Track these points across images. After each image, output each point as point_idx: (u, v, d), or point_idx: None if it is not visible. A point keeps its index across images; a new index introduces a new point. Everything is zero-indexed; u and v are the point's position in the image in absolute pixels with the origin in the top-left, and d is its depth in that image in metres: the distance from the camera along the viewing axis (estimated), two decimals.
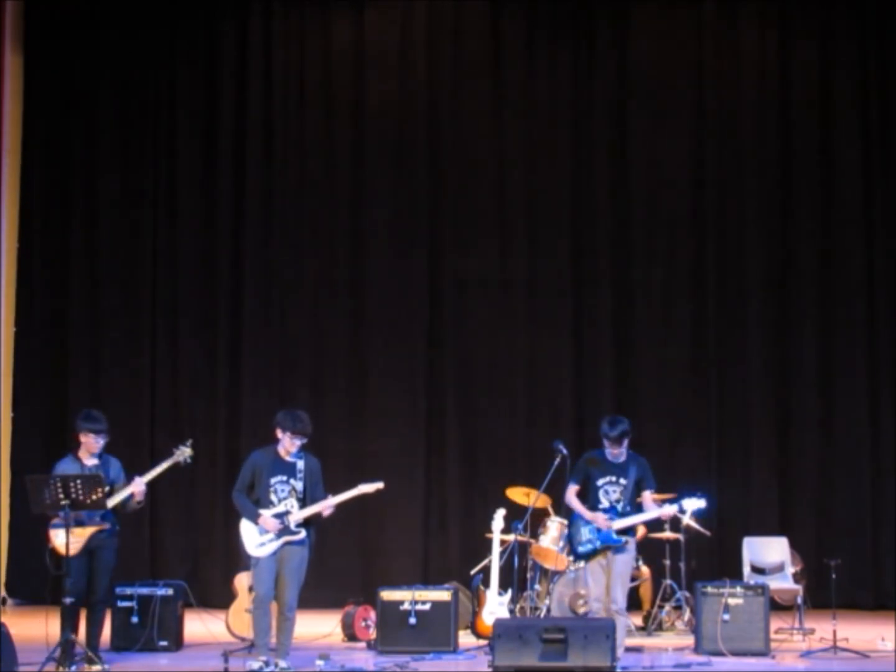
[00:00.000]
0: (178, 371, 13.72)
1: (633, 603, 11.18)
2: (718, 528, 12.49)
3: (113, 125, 13.94)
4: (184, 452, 9.48)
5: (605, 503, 9.32)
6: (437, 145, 13.79)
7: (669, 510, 9.62)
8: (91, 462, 9.24)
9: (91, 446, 9.24)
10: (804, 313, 13.44)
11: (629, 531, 9.37)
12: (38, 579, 10.46)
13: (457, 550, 13.13)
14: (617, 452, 9.32)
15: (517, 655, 8.61)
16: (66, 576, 8.91)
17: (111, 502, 9.10)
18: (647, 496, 9.45)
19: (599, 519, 9.26)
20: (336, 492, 9.18)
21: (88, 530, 8.99)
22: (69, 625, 8.99)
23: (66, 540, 8.83)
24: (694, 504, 9.51)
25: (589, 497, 9.38)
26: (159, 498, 13.45)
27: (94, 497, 8.83)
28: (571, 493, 9.44)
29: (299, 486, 9.07)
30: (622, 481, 9.33)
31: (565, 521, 10.36)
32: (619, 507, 9.30)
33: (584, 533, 9.31)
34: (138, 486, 9.21)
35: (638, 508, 9.43)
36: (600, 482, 9.34)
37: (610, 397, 13.27)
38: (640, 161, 13.65)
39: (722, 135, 13.62)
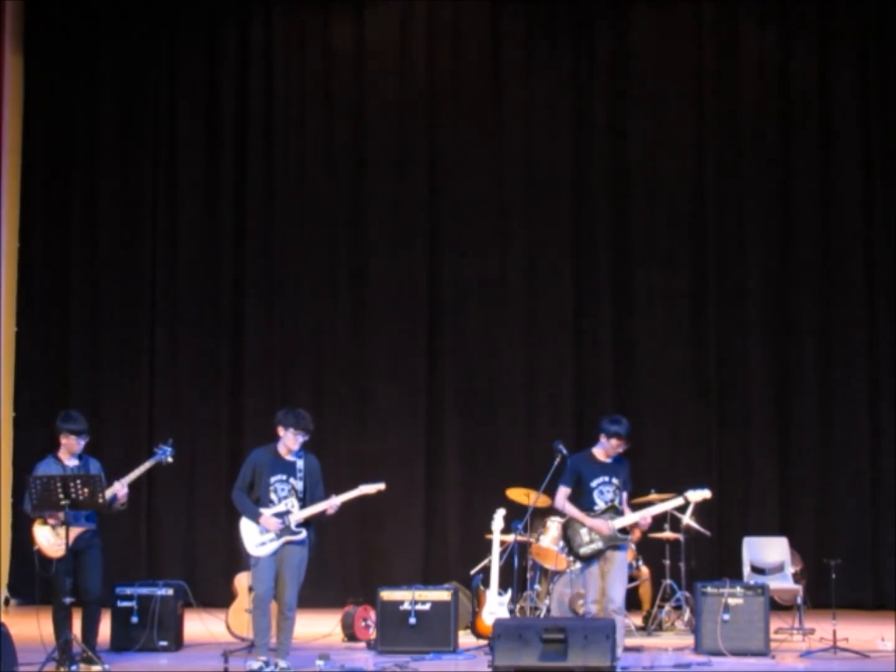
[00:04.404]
0: (178, 371, 13.72)
1: (633, 603, 11.19)
2: (718, 528, 12.51)
3: (113, 125, 13.94)
4: (165, 452, 9.47)
5: (600, 504, 9.30)
6: (437, 145, 13.80)
7: (675, 501, 9.61)
8: (72, 463, 9.24)
9: (72, 447, 9.24)
10: (804, 313, 13.44)
11: (628, 529, 9.38)
12: (41, 579, 10.45)
13: (457, 550, 13.13)
14: (613, 453, 9.32)
15: (517, 655, 8.60)
16: (54, 577, 8.93)
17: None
18: (624, 497, 9.44)
19: (601, 526, 9.22)
20: (336, 492, 9.18)
21: (73, 531, 8.98)
22: (66, 625, 9.00)
23: (65, 539, 8.87)
24: (698, 495, 9.52)
25: (583, 498, 9.34)
26: (159, 498, 13.49)
27: (94, 498, 8.84)
28: (564, 497, 9.39)
29: (299, 485, 9.07)
30: (614, 481, 9.33)
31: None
32: (616, 505, 9.32)
33: (584, 535, 9.30)
34: (121, 489, 9.20)
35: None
36: (594, 483, 9.32)
37: (610, 397, 13.27)
38: (640, 160, 13.65)
39: (722, 135, 13.62)
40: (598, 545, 9.24)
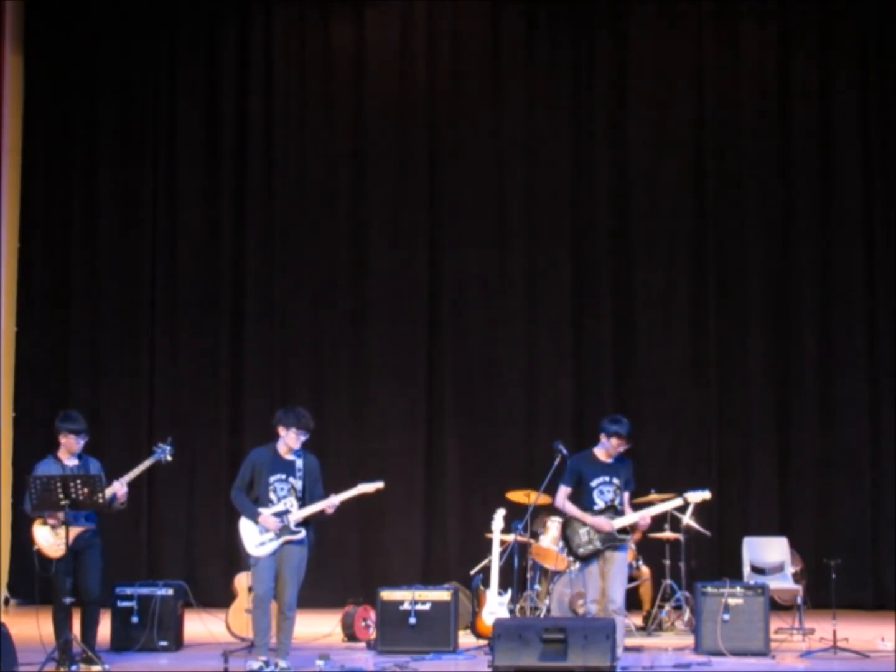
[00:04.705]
0: (178, 371, 13.72)
1: (633, 603, 11.19)
2: (718, 528, 12.51)
3: (113, 125, 13.94)
4: (164, 450, 9.47)
5: (600, 504, 9.31)
6: (437, 145, 13.80)
7: (674, 502, 9.62)
8: (71, 462, 9.24)
9: (71, 447, 9.24)
10: (804, 313, 13.44)
11: (628, 529, 9.39)
12: (40, 579, 10.45)
13: (457, 550, 13.13)
14: (614, 452, 9.32)
15: (517, 655, 8.60)
16: (54, 577, 8.93)
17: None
18: (626, 497, 9.46)
19: (602, 524, 9.23)
20: (335, 492, 9.18)
21: (73, 531, 8.98)
22: (66, 625, 9.01)
23: (65, 539, 8.87)
24: (698, 496, 9.54)
25: (583, 498, 9.35)
26: (160, 498, 13.48)
27: (94, 497, 8.84)
28: (564, 497, 9.39)
29: (298, 484, 9.07)
30: (615, 481, 9.34)
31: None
32: (615, 505, 9.32)
33: (583, 534, 9.30)
34: (120, 488, 9.20)
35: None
36: (594, 483, 9.33)
37: (610, 397, 13.27)
38: (640, 160, 13.65)
39: (722, 135, 13.62)
40: (597, 545, 9.24)
